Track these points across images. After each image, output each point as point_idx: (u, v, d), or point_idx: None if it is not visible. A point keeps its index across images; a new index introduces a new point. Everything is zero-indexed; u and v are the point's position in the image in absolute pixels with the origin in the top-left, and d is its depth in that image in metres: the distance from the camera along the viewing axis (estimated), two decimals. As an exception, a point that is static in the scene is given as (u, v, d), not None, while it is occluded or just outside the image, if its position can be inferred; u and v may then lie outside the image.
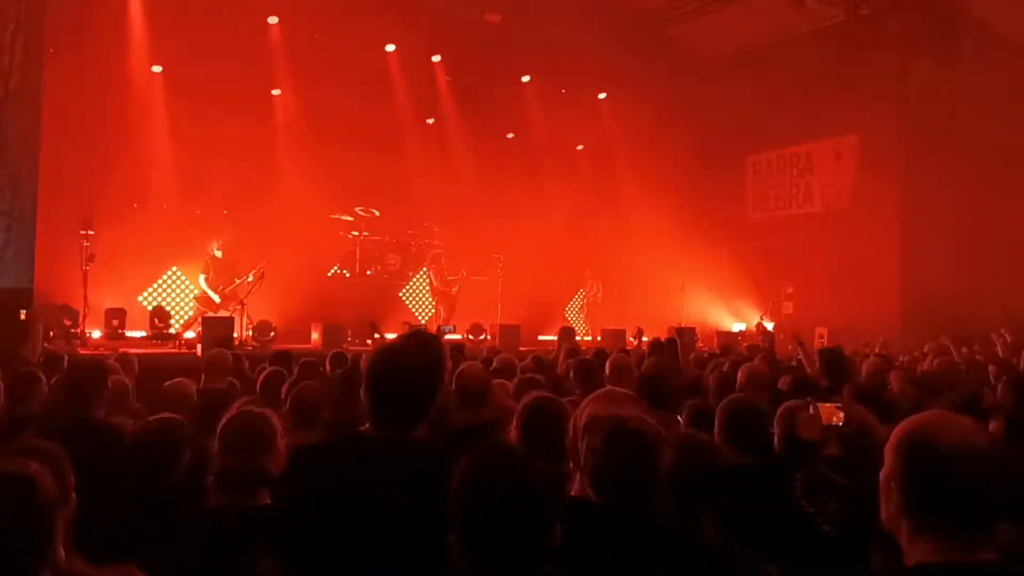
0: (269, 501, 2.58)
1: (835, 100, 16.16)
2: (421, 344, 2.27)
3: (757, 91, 17.44)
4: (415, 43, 14.26)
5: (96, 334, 11.50)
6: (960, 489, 1.57)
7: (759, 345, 11.06)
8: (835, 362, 5.47)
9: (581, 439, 2.01)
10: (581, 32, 15.27)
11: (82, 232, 10.79)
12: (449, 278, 15.42)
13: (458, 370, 3.83)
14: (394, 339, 2.32)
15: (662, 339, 8.09)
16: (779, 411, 3.41)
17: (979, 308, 12.79)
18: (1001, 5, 13.68)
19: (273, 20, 13.53)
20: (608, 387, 2.30)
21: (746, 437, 3.21)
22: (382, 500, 2.04)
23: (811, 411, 3.18)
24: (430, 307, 16.28)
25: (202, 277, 12.28)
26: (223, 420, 2.69)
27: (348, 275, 15.16)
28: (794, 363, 7.67)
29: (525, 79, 16.39)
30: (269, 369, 5.17)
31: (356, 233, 15.18)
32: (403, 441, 2.18)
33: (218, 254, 12.34)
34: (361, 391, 2.23)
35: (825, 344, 12.15)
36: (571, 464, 2.06)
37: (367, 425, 2.22)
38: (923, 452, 1.62)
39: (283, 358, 6.24)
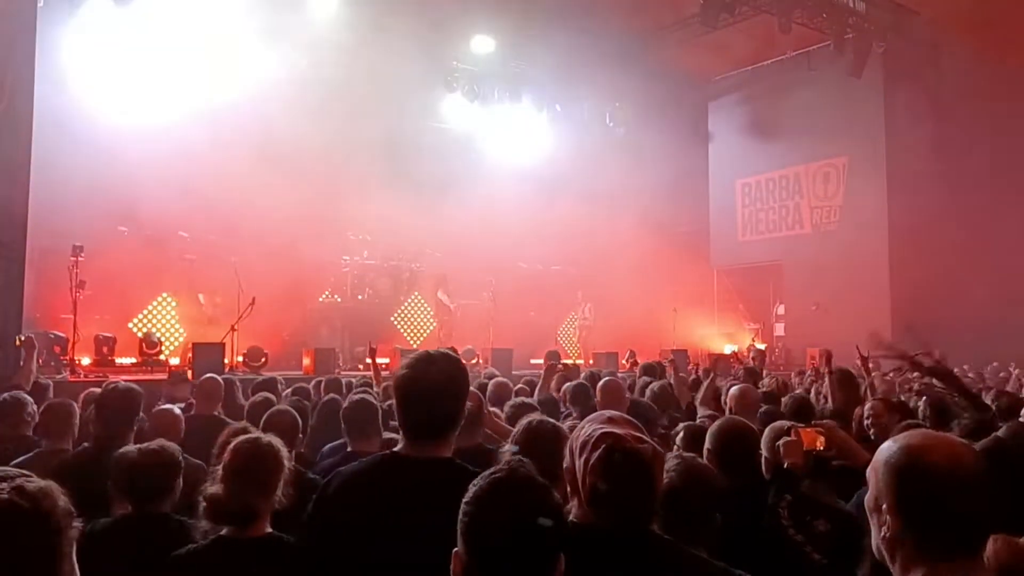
0: (269, 531, 2.58)
1: (823, 123, 16.38)
2: (446, 359, 2.36)
3: (745, 114, 17.67)
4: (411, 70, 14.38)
5: (86, 361, 11.43)
6: (953, 508, 1.54)
7: (752, 366, 11.04)
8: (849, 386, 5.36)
9: (578, 459, 2.01)
10: (576, 56, 15.46)
11: (72, 259, 10.75)
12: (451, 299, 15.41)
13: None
14: (418, 356, 2.38)
15: (656, 362, 8.07)
16: (765, 434, 3.39)
17: (970, 326, 12.86)
18: (983, 25, 13.89)
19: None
20: (605, 410, 2.31)
21: (735, 460, 3.20)
22: (426, 524, 2.03)
23: (792, 436, 3.15)
24: (429, 325, 16.30)
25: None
26: (231, 448, 2.67)
27: (340, 300, 15.12)
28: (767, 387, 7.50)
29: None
30: (257, 397, 5.13)
31: (348, 258, 15.17)
32: (442, 462, 2.26)
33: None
34: (395, 408, 2.32)
35: (817, 364, 12.15)
36: (568, 488, 2.05)
37: (401, 444, 2.30)
38: (912, 473, 1.58)
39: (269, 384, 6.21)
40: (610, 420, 2.06)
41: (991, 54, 14.77)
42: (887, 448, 1.67)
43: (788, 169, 18.19)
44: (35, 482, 1.51)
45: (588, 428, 2.05)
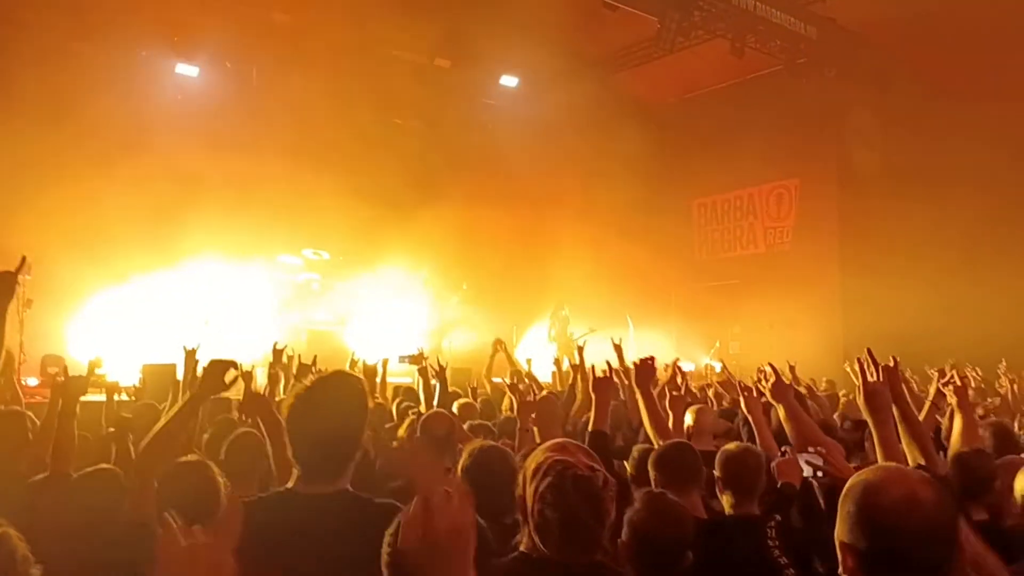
0: None
1: (776, 146, 16.70)
2: (339, 384, 2.23)
3: (701, 137, 17.95)
4: (361, 89, 14.32)
5: (33, 382, 11.11)
6: (904, 548, 1.51)
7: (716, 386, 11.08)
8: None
9: (529, 486, 1.98)
10: (526, 79, 15.56)
11: (19, 276, 10.46)
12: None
13: (423, 417, 3.79)
14: (308, 384, 2.23)
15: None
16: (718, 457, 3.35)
17: (920, 342, 13.11)
18: (933, 53, 14.30)
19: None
20: (560, 439, 2.27)
21: (678, 483, 3.16)
22: (312, 563, 1.97)
23: (788, 456, 3.11)
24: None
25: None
26: (161, 479, 2.59)
27: (296, 319, 14.93)
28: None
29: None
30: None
31: (305, 276, 15.04)
32: (330, 496, 2.11)
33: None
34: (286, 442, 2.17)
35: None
36: (520, 516, 2.01)
37: (294, 477, 2.16)
38: (866, 510, 1.56)
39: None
40: (562, 448, 2.05)
41: (941, 82, 15.21)
42: (851, 481, 1.66)
43: (742, 190, 18.53)
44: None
45: (540, 455, 2.03)
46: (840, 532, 1.60)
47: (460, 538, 1.34)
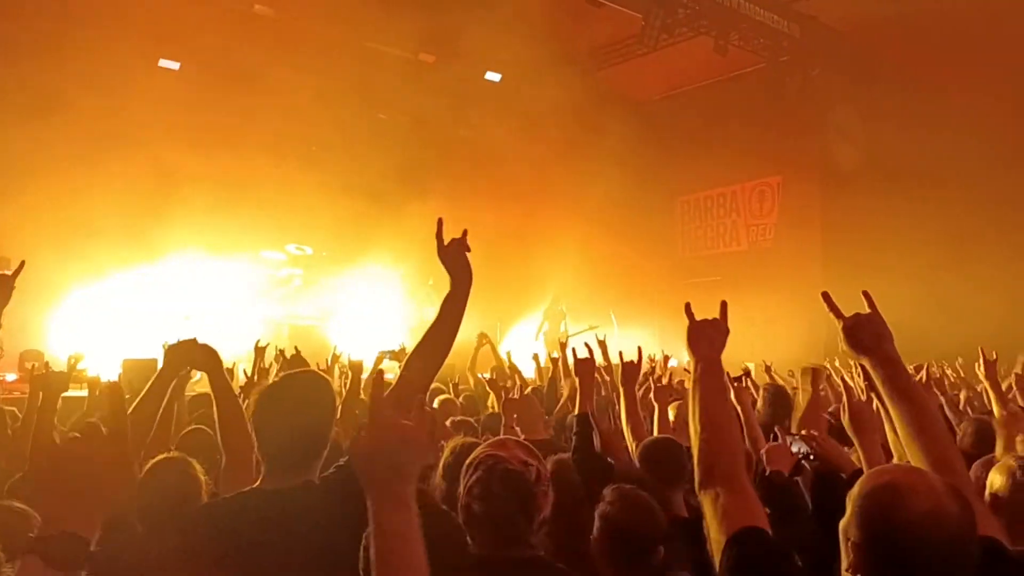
0: None
1: (758, 143, 16.77)
2: (305, 382, 2.22)
3: (684, 134, 17.99)
4: (345, 84, 14.23)
5: (11, 377, 11.01)
6: (924, 557, 1.43)
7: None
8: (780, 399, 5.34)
9: (461, 482, 2.00)
10: (510, 75, 15.51)
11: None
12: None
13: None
14: (275, 380, 2.23)
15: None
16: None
17: (908, 340, 13.20)
18: (915, 50, 14.39)
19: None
20: (502, 436, 2.27)
21: (664, 477, 3.16)
22: (286, 557, 1.95)
23: (779, 440, 3.07)
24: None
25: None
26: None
27: (278, 314, 14.87)
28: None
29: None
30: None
31: (287, 271, 14.96)
32: (296, 489, 2.07)
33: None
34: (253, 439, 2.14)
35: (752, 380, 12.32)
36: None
37: (262, 475, 2.13)
38: (884, 516, 1.47)
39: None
40: (500, 444, 2.05)
41: (923, 78, 15.30)
42: (870, 478, 1.57)
43: (725, 187, 18.61)
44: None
45: (478, 451, 2.04)
46: (850, 530, 1.52)
47: (407, 449, 1.40)
